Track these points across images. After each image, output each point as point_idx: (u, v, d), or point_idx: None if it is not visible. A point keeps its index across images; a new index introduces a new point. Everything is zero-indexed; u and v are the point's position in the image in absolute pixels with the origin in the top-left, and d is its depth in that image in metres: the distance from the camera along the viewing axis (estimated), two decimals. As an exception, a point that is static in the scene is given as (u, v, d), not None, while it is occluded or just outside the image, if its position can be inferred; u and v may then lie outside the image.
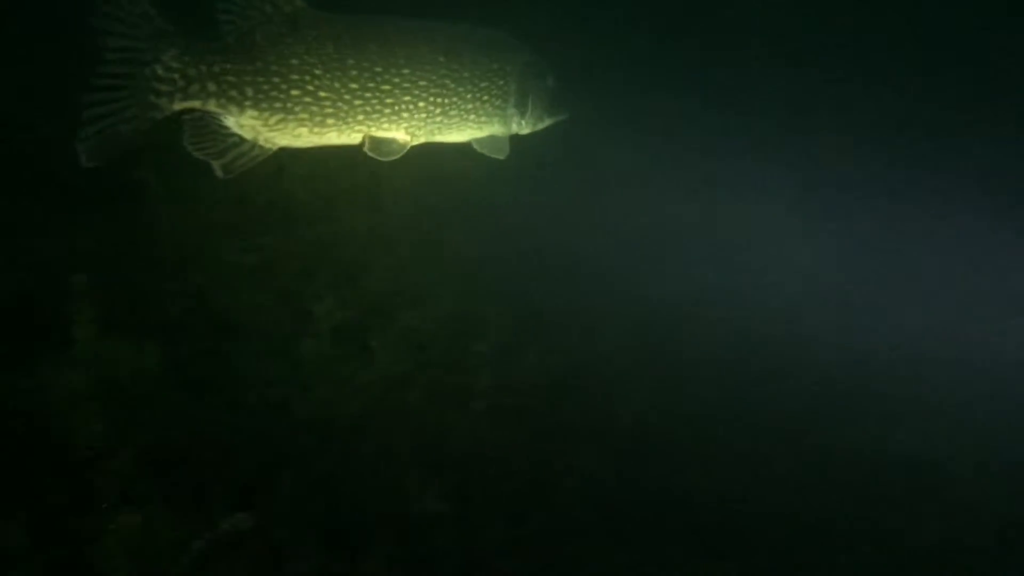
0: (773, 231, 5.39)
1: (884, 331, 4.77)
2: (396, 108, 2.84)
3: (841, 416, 4.03)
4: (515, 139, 3.37)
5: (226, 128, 2.68)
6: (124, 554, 2.67)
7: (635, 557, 3.17)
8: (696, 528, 3.29)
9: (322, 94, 2.72)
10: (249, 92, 2.64)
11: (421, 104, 2.88)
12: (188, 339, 3.45)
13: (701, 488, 3.43)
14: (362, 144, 2.86)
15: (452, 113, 2.97)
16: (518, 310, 3.97)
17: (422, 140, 3.00)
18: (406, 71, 2.83)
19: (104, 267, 3.44)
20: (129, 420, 3.10)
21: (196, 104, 2.61)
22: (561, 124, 3.50)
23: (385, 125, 2.85)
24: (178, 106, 2.58)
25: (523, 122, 3.24)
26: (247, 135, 2.71)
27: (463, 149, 3.42)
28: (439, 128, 2.99)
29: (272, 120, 2.70)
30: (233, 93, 2.63)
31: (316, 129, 2.77)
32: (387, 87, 2.81)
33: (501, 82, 3.10)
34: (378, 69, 2.78)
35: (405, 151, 2.92)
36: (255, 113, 2.67)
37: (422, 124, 2.92)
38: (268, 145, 2.76)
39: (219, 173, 2.71)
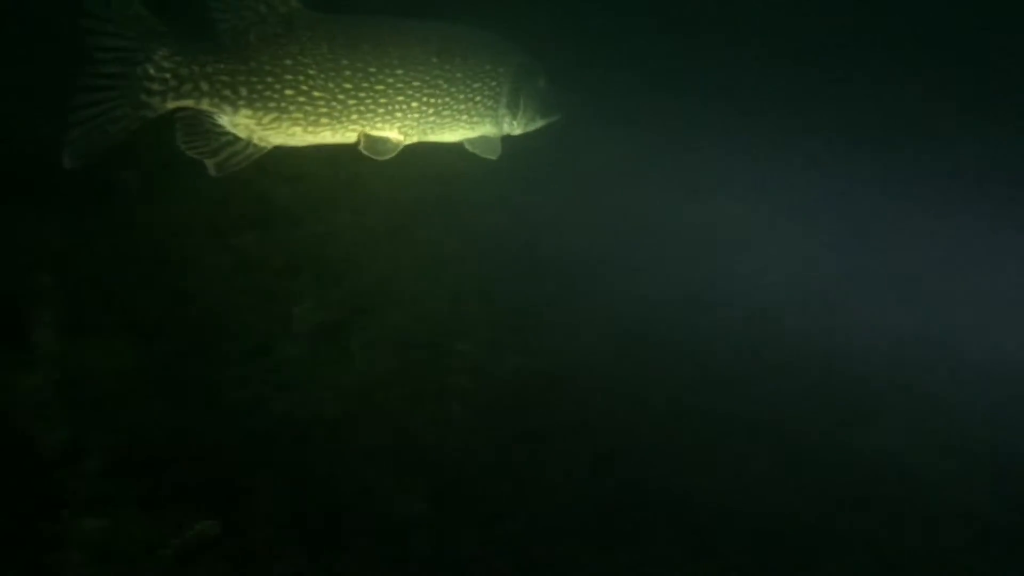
0: (764, 231, 5.35)
1: (877, 332, 4.72)
2: (390, 108, 2.87)
3: (825, 416, 3.99)
4: (504, 139, 3.37)
5: (220, 127, 2.70)
6: (90, 560, 2.63)
7: (613, 558, 3.13)
8: (675, 529, 3.24)
9: (316, 94, 2.74)
10: (243, 92, 2.66)
11: (414, 104, 2.91)
12: (165, 340, 3.42)
13: (682, 489, 3.39)
14: (357, 143, 2.89)
15: (445, 113, 3.00)
16: (500, 310, 3.94)
17: (415, 139, 3.03)
18: (400, 71, 2.85)
19: (79, 267, 3.43)
20: (102, 421, 3.07)
21: (189, 103, 2.63)
22: (554, 125, 3.52)
23: (379, 125, 2.88)
24: (171, 105, 2.60)
25: (515, 123, 3.26)
26: (241, 134, 2.72)
27: (450, 148, 3.41)
28: (432, 128, 3.02)
29: (266, 119, 2.71)
30: (227, 93, 2.64)
31: (310, 128, 2.79)
32: (381, 87, 2.83)
33: (493, 83, 3.12)
34: (372, 69, 2.81)
35: (399, 150, 2.95)
36: (249, 112, 2.68)
37: (415, 124, 2.95)
38: (262, 144, 2.77)
39: (212, 172, 2.72)
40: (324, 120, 2.79)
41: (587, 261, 4.64)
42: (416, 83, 2.89)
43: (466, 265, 4.13)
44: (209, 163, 2.72)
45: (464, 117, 3.08)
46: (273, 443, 3.22)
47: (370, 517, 3.17)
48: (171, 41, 2.56)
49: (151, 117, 2.59)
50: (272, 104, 2.70)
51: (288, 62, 2.69)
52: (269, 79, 2.68)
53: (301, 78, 2.71)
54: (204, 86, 2.61)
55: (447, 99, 2.98)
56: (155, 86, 2.55)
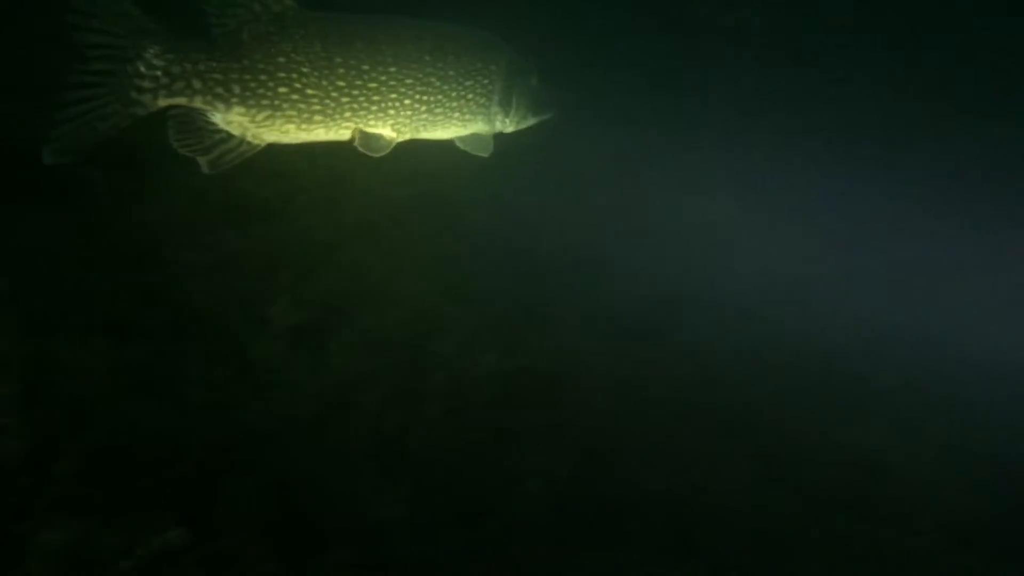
0: (760, 230, 5.33)
1: (872, 331, 4.69)
2: (383, 105, 2.89)
3: (818, 416, 3.94)
4: (495, 137, 3.38)
5: (213, 125, 2.71)
6: (55, 568, 2.57)
7: (594, 559, 3.08)
8: (657, 530, 3.20)
9: (310, 91, 2.76)
10: (236, 89, 2.67)
11: (407, 101, 2.93)
12: (138, 341, 3.36)
13: (664, 489, 3.34)
14: (352, 140, 2.91)
15: (438, 111, 3.02)
16: (482, 309, 3.89)
17: (408, 137, 3.06)
18: (393, 69, 2.87)
19: (49, 266, 3.37)
20: (71, 425, 3.02)
21: (182, 101, 2.64)
22: (546, 123, 3.53)
23: (372, 122, 2.90)
24: (163, 103, 2.61)
25: (507, 120, 3.29)
26: (235, 132, 2.73)
27: (436, 146, 3.39)
28: (425, 125, 3.04)
29: (260, 117, 2.73)
30: (220, 90, 2.65)
31: (304, 126, 2.81)
32: (374, 85, 2.85)
33: (486, 81, 3.14)
34: (365, 67, 2.83)
35: (392, 147, 2.98)
36: (243, 110, 2.70)
37: (408, 121, 2.97)
38: (256, 141, 2.79)
39: (205, 170, 2.73)
40: (318, 118, 2.81)
41: (574, 260, 4.59)
42: (409, 81, 2.91)
43: (448, 264, 4.08)
44: (202, 161, 2.73)
45: (457, 115, 3.10)
46: (248, 446, 3.17)
47: (348, 520, 3.12)
48: (162, 39, 2.57)
49: (142, 115, 2.60)
50: (265, 102, 2.72)
51: (282, 60, 2.71)
52: (263, 77, 2.69)
53: (295, 76, 2.73)
54: (197, 84, 2.62)
55: (440, 97, 3.01)
56: (146, 83, 2.55)
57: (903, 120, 6.70)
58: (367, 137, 2.92)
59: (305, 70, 2.74)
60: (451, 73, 3.02)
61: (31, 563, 2.53)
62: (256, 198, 3.97)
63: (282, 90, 2.72)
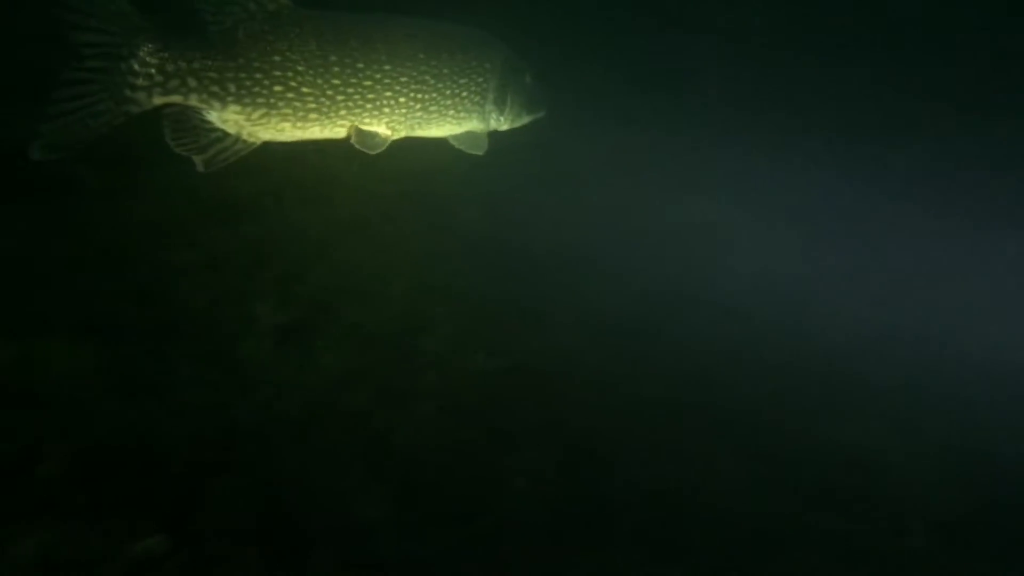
0: (750, 228, 5.29)
1: (862, 329, 4.66)
2: (377, 103, 2.90)
3: (802, 413, 3.92)
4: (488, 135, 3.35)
5: (208, 123, 2.71)
6: (36, 573, 2.55)
7: (582, 558, 3.06)
8: (651, 530, 3.16)
9: (305, 90, 2.77)
10: (232, 88, 2.67)
11: (402, 99, 2.94)
12: (124, 341, 3.34)
13: (656, 489, 3.31)
14: (348, 137, 2.92)
15: (432, 108, 3.03)
16: (470, 307, 3.86)
17: (403, 134, 3.06)
18: (387, 67, 2.88)
19: (34, 265, 3.35)
20: (55, 427, 3.00)
21: (177, 99, 2.64)
22: (540, 120, 3.54)
23: (367, 120, 2.91)
24: (158, 101, 2.62)
25: (502, 118, 3.30)
26: (230, 130, 2.74)
27: (425, 144, 3.36)
28: (419, 123, 3.05)
29: (255, 115, 2.73)
30: (215, 89, 2.66)
31: (299, 124, 2.82)
32: (369, 83, 2.86)
33: (480, 79, 3.16)
34: (360, 65, 2.84)
35: (387, 145, 2.99)
36: (238, 108, 2.70)
37: (403, 119, 2.98)
38: (251, 139, 2.80)
39: (201, 168, 2.73)
40: (313, 116, 2.82)
41: (568, 258, 4.57)
42: (403, 79, 2.92)
43: (439, 261, 4.05)
44: (198, 160, 2.73)
45: (451, 112, 3.11)
46: (233, 446, 3.15)
47: (334, 520, 3.10)
48: (156, 37, 2.58)
49: (137, 112, 2.61)
50: (261, 100, 2.72)
51: (277, 58, 2.72)
52: (258, 75, 2.70)
53: (290, 74, 2.74)
54: (192, 82, 2.63)
55: (434, 94, 3.02)
56: (140, 81, 2.56)
57: (902, 120, 6.67)
58: (363, 134, 2.93)
59: (300, 68, 2.75)
60: (445, 71, 3.04)
61: (10, 568, 2.51)
62: (246, 196, 3.95)
63: (278, 88, 2.73)
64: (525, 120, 3.43)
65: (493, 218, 4.42)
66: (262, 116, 2.75)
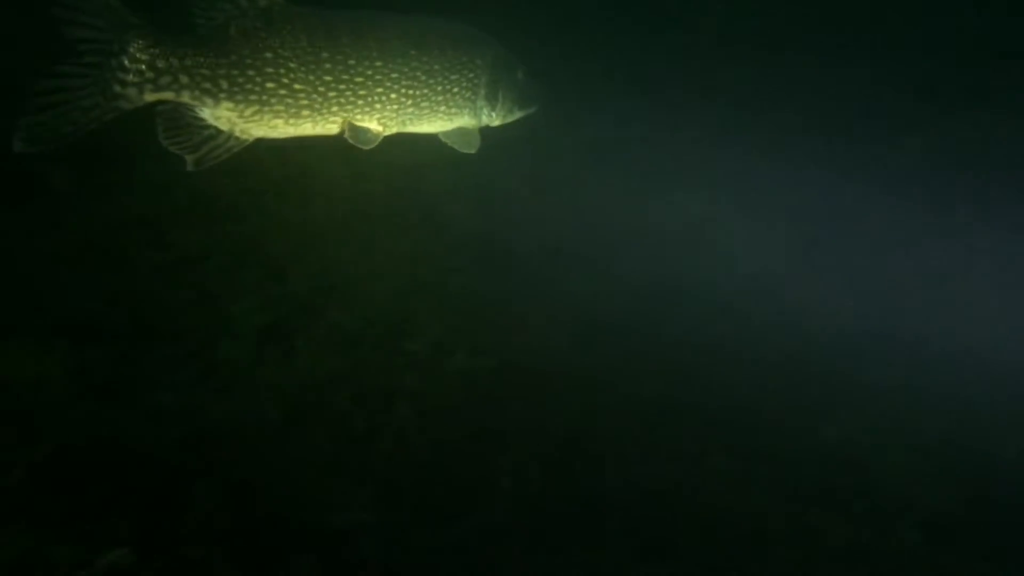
0: (735, 226, 5.26)
1: (845, 327, 4.63)
2: (369, 99, 2.92)
3: (788, 411, 3.88)
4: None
5: (201, 120, 2.72)
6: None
7: (568, 559, 3.00)
8: (636, 530, 3.12)
9: (297, 86, 2.79)
10: (224, 85, 2.69)
11: (393, 95, 2.97)
12: (97, 343, 3.27)
13: (641, 488, 3.26)
14: (342, 132, 2.94)
15: (423, 104, 3.06)
16: (453, 306, 3.80)
17: (395, 130, 3.09)
18: (378, 63, 2.91)
19: (5, 267, 3.28)
20: (27, 431, 2.93)
21: (169, 96, 2.65)
22: (532, 116, 3.53)
23: (359, 116, 2.94)
24: (149, 97, 2.62)
25: (493, 113, 3.32)
26: (223, 127, 2.75)
27: (410, 141, 3.32)
28: (411, 119, 3.08)
29: (248, 112, 2.74)
30: (207, 85, 2.67)
31: (291, 120, 2.84)
32: (360, 79, 2.89)
33: (471, 74, 3.19)
34: (352, 62, 2.86)
35: (379, 141, 3.00)
36: (231, 105, 2.71)
37: (394, 115, 3.01)
38: (244, 136, 2.81)
39: (191, 167, 2.73)
40: (305, 112, 2.84)
41: (552, 256, 4.52)
42: (395, 75, 2.94)
43: (420, 260, 3.99)
44: (189, 158, 2.73)
45: (443, 108, 3.14)
46: (209, 450, 3.08)
47: (315, 525, 3.04)
48: (147, 33, 2.58)
49: (128, 108, 2.61)
50: (253, 97, 2.74)
51: (269, 55, 2.74)
52: (250, 72, 2.72)
53: (282, 71, 2.76)
54: (184, 79, 2.64)
55: (425, 90, 3.04)
56: (130, 77, 2.57)
57: (884, 118, 6.67)
58: (356, 130, 2.94)
59: (292, 65, 2.77)
60: (436, 67, 3.05)
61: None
62: (224, 195, 3.88)
63: (270, 85, 2.75)
64: (517, 115, 3.45)
65: (476, 215, 4.37)
66: (255, 113, 2.75)
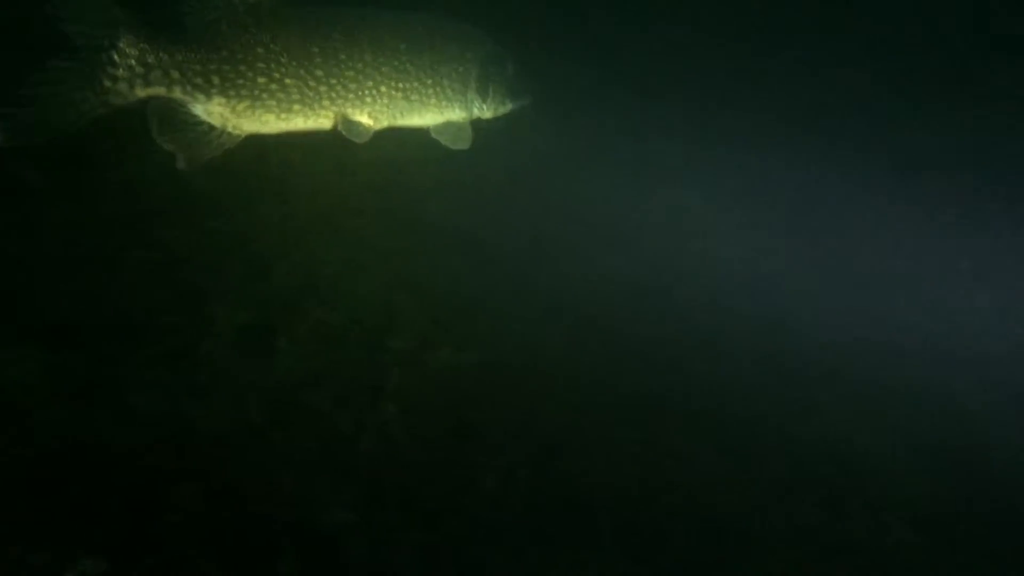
0: (721, 221, 5.24)
1: (832, 322, 4.61)
2: (360, 93, 2.95)
3: (774, 407, 3.86)
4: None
5: (194, 116, 2.74)
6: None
7: (556, 558, 2.97)
8: (621, 527, 3.08)
9: (288, 81, 2.81)
10: (216, 80, 2.71)
11: (383, 89, 2.99)
12: (75, 344, 3.21)
13: (625, 485, 3.23)
14: (333, 127, 2.97)
15: (413, 98, 3.09)
16: (438, 304, 3.75)
17: (386, 124, 3.12)
18: (369, 57, 2.94)
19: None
20: (4, 433, 2.87)
21: (160, 91, 2.67)
22: (524, 109, 3.60)
23: (350, 110, 2.95)
24: (140, 93, 2.65)
25: (484, 106, 3.35)
26: (215, 122, 2.77)
27: (396, 135, 3.29)
28: (401, 112, 3.11)
29: (240, 107, 2.77)
30: (199, 81, 2.69)
31: (283, 115, 2.87)
32: (351, 73, 2.91)
33: (461, 68, 3.21)
34: (342, 56, 2.89)
35: (371, 135, 3.05)
36: (223, 100, 2.74)
37: (385, 108, 3.04)
38: (235, 132, 2.83)
39: (182, 165, 2.77)
40: (297, 107, 2.86)
41: (538, 252, 4.48)
42: (385, 68, 2.97)
43: (405, 256, 3.94)
44: (181, 156, 2.76)
45: (433, 101, 3.16)
46: (190, 452, 3.03)
47: (299, 526, 2.99)
48: (137, 29, 2.60)
49: (120, 104, 2.64)
50: (245, 92, 2.76)
51: (260, 51, 2.76)
52: (242, 67, 2.74)
53: (274, 66, 2.78)
54: (175, 74, 2.65)
55: (415, 84, 3.07)
56: (120, 72, 2.58)
57: (872, 112, 6.66)
58: (349, 124, 2.94)
59: (284, 60, 2.79)
60: (426, 61, 3.08)
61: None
62: (204, 192, 3.82)
63: (261, 80, 2.76)
64: (508, 108, 3.47)
65: (461, 210, 4.32)
66: (247, 108, 2.77)
